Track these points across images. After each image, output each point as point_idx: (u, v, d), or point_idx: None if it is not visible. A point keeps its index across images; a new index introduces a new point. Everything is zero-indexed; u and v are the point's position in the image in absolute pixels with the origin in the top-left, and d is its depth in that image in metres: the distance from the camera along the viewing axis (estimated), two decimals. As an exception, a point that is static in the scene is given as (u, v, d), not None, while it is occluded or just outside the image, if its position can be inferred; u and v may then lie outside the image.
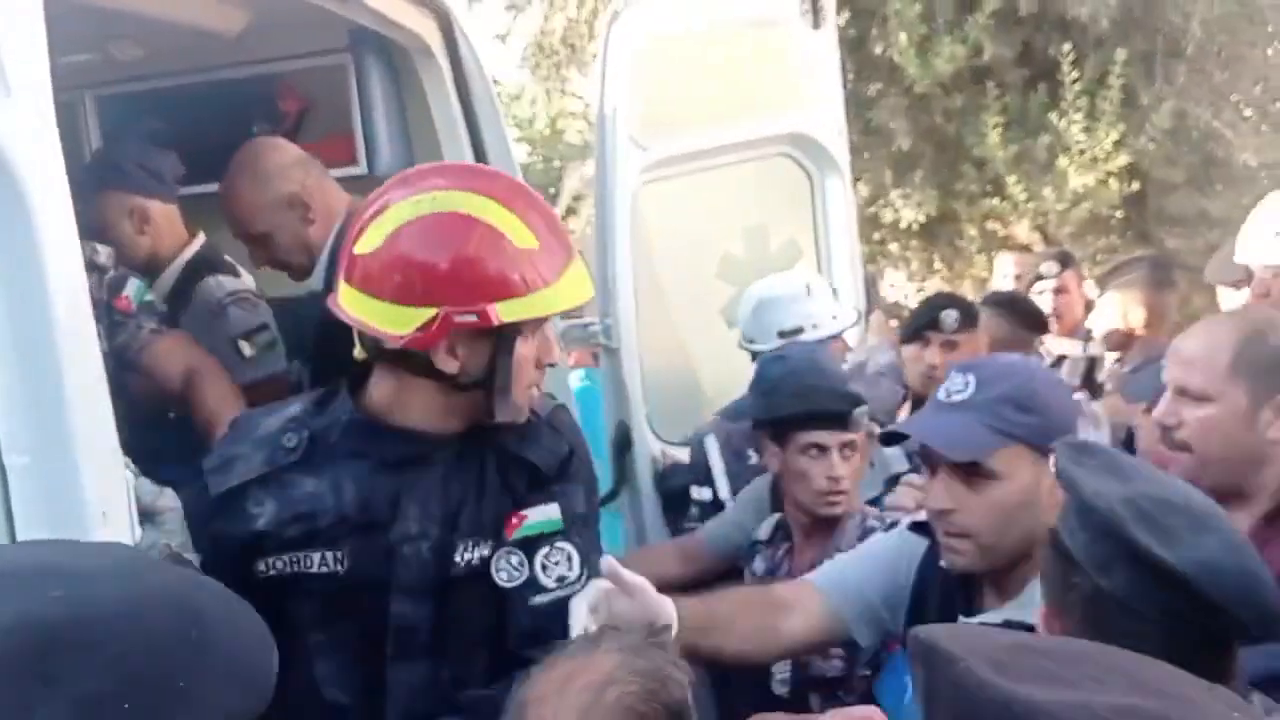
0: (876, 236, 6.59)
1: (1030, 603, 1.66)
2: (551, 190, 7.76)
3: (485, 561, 1.73)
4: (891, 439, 2.07)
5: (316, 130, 3.12)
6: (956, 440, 1.75)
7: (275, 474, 1.72)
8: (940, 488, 1.77)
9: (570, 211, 7.05)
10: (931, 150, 5.73)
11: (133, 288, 2.53)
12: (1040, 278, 4.26)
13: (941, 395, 1.81)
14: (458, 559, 1.72)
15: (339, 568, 1.70)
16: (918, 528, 1.89)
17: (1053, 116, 5.20)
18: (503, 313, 1.64)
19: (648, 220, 3.25)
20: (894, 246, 6.55)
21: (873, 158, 5.82)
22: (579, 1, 6.65)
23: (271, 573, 1.71)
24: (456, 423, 1.74)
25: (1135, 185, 5.26)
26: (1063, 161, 5.17)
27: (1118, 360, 3.96)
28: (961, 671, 0.75)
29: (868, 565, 1.98)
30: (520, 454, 1.76)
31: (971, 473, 1.74)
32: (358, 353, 1.76)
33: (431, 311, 1.64)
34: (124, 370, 2.52)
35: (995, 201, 5.63)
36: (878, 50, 5.38)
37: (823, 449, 2.39)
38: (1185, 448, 2.03)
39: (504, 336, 1.68)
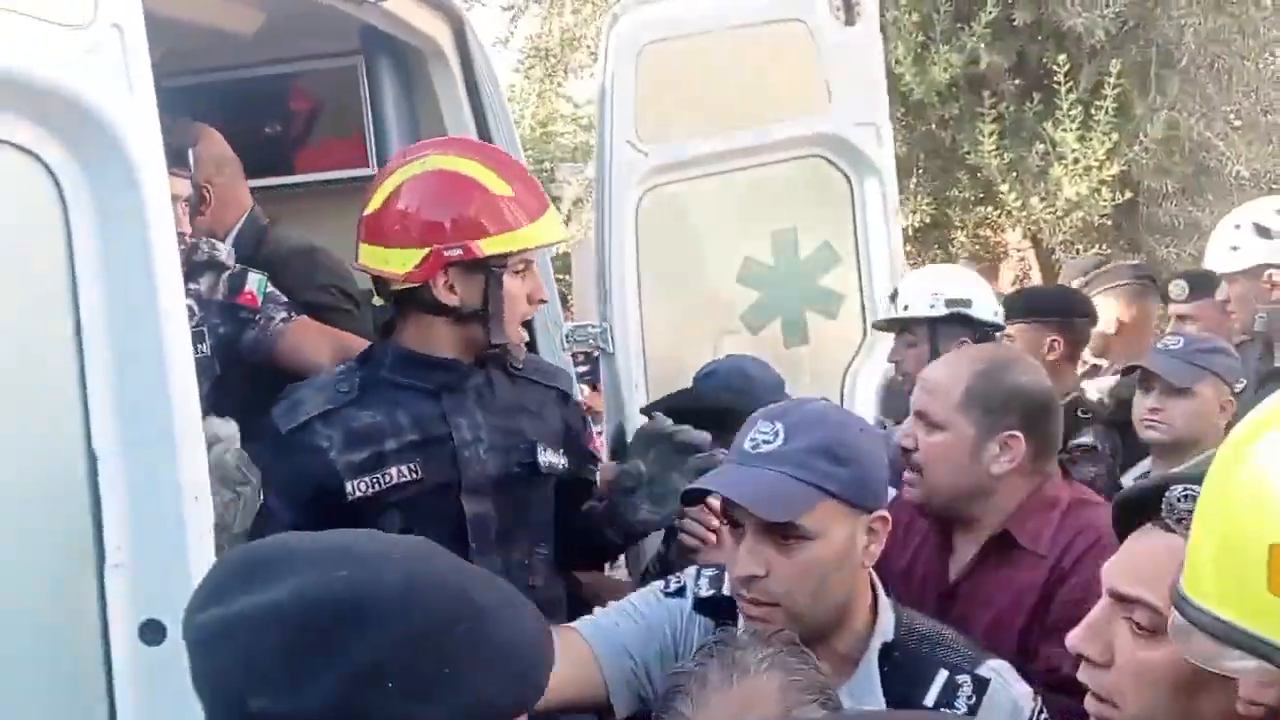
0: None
1: (869, 679, 1.66)
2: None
3: (562, 467, 2.23)
4: (692, 498, 1.91)
5: (328, 131, 3.16)
6: (769, 498, 1.59)
7: (336, 410, 2.04)
8: (747, 551, 1.61)
9: (569, 218, 7.09)
10: (927, 158, 5.78)
11: (254, 281, 2.60)
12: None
13: (748, 445, 1.65)
14: (540, 460, 2.18)
15: (415, 474, 2.04)
16: (704, 607, 1.77)
17: (1047, 126, 5.25)
18: (484, 247, 2.02)
19: (657, 224, 3.20)
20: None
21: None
22: (575, 6, 6.69)
23: (357, 495, 2.01)
24: (470, 353, 2.12)
25: (1127, 194, 5.32)
26: (1056, 170, 5.23)
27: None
28: None
29: (635, 622, 1.81)
30: (524, 374, 2.24)
31: (783, 533, 1.59)
32: (376, 300, 2.27)
33: (425, 250, 2.02)
34: (262, 362, 2.61)
35: (988, 209, 5.69)
36: (875, 57, 5.42)
37: None
38: (918, 470, 2.15)
39: (493, 272, 2.05)
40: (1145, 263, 4.95)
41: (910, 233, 6.06)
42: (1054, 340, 3.38)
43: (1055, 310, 3.51)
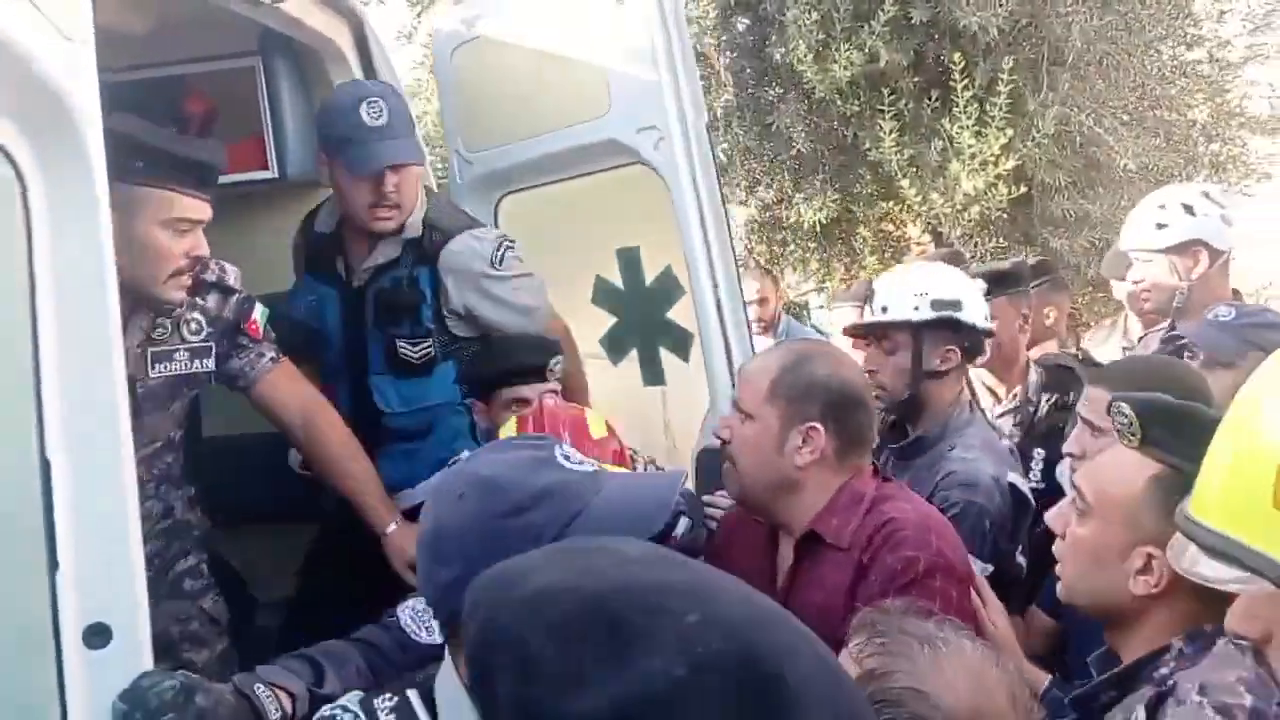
0: (779, 238, 6.73)
1: None
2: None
3: None
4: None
5: (226, 133, 3.12)
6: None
7: None
8: None
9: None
10: (830, 154, 5.88)
11: (259, 312, 2.65)
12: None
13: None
14: None
15: None
16: None
17: (945, 122, 5.37)
18: None
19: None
20: (794, 249, 6.69)
21: (773, 161, 5.95)
22: None
23: None
24: None
25: (1022, 188, 5.46)
26: (954, 165, 5.35)
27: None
28: None
29: None
30: None
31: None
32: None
33: None
34: (240, 391, 2.69)
35: (890, 204, 5.81)
36: (777, 56, 5.51)
37: (525, 402, 2.56)
38: (733, 460, 2.21)
39: None
40: (1022, 259, 5.12)
41: (816, 229, 6.16)
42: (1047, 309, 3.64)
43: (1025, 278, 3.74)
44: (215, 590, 2.73)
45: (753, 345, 2.79)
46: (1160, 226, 3.36)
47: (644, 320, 2.96)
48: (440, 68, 3.25)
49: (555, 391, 2.64)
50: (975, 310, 2.84)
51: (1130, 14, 5.48)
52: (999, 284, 4.05)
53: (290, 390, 2.68)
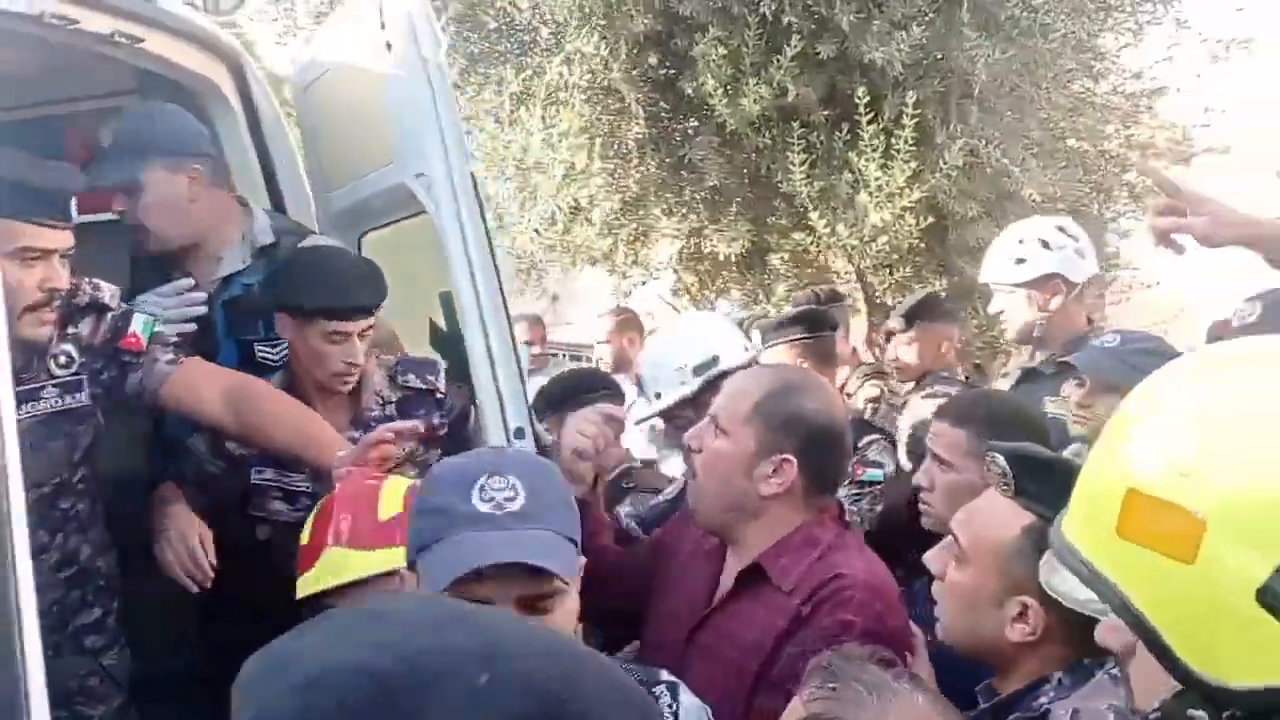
0: (704, 268, 6.81)
1: None
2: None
3: None
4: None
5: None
6: (564, 562, 1.52)
7: None
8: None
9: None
10: (743, 186, 5.95)
11: (139, 323, 2.50)
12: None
13: (487, 507, 1.49)
14: None
15: None
16: None
17: (853, 155, 5.47)
18: None
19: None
20: (719, 279, 6.76)
21: (688, 194, 6.03)
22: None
23: None
24: None
25: (931, 219, 5.55)
26: (862, 197, 5.44)
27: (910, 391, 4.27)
28: None
29: None
30: None
31: (539, 598, 1.50)
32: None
33: None
34: (149, 408, 2.57)
35: (803, 235, 5.89)
36: (688, 90, 5.59)
37: (344, 335, 2.58)
38: (696, 472, 2.17)
39: None
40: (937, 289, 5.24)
41: (732, 260, 6.24)
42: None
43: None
44: (120, 645, 2.62)
45: (526, 392, 2.72)
46: (1019, 261, 3.46)
47: (458, 367, 2.87)
48: (296, 105, 3.30)
49: (371, 328, 2.62)
50: (733, 353, 2.93)
51: (1030, 47, 5.59)
52: (917, 315, 4.17)
53: (203, 380, 2.55)
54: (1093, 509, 1.05)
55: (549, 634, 0.87)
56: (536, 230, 6.12)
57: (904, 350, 4.20)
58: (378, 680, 0.75)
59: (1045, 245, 3.45)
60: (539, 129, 5.54)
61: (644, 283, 6.73)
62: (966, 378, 4.08)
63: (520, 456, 1.71)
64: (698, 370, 2.90)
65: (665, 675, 1.73)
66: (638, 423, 3.19)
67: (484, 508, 1.48)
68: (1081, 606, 1.12)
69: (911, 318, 4.19)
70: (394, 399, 2.79)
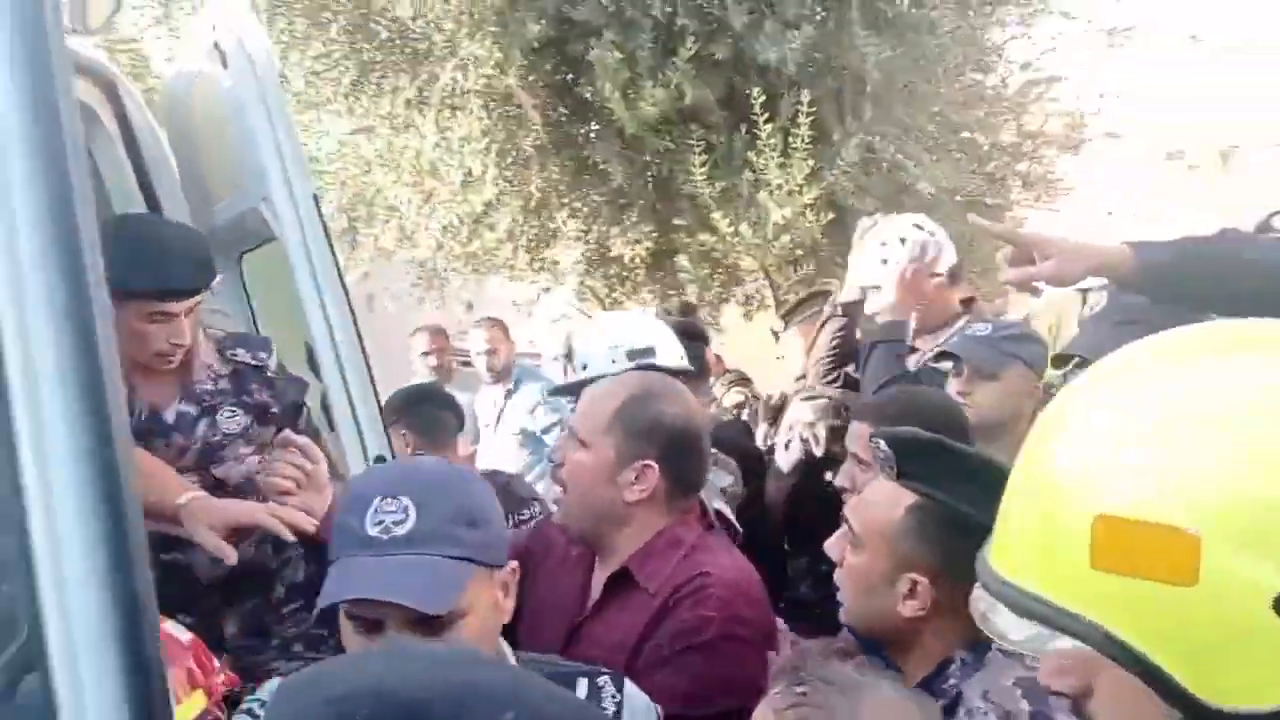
0: (612, 271, 6.82)
1: None
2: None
3: None
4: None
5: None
6: (430, 589, 1.45)
7: None
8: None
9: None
10: (646, 188, 5.97)
11: None
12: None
13: (374, 529, 1.47)
14: None
15: None
16: None
17: (752, 155, 5.51)
18: None
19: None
20: (627, 282, 6.78)
21: (591, 197, 6.03)
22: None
23: None
24: None
25: (831, 216, 5.62)
26: (763, 196, 5.49)
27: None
28: None
29: None
30: None
31: (434, 621, 1.45)
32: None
33: None
34: None
35: (706, 236, 5.92)
36: (587, 94, 5.59)
37: (168, 316, 2.44)
38: (563, 485, 2.18)
39: None
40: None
41: (639, 262, 6.26)
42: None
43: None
44: None
45: (387, 432, 2.64)
46: (884, 262, 3.54)
47: (322, 400, 2.80)
48: (168, 123, 3.22)
49: (199, 304, 2.51)
50: (669, 353, 2.94)
51: (923, 43, 5.68)
52: (793, 315, 4.20)
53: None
54: (1047, 541, 0.95)
55: (560, 689, 0.96)
56: (438, 240, 6.07)
57: (785, 350, 4.24)
58: (407, 708, 0.83)
59: (903, 243, 3.53)
60: (433, 133, 5.50)
61: (548, 289, 6.72)
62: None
63: (429, 471, 1.62)
64: (631, 355, 2.88)
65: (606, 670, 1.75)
66: (552, 392, 3.22)
67: (373, 531, 1.46)
68: (1019, 647, 1.01)
69: (788, 318, 4.23)
70: (225, 373, 2.68)
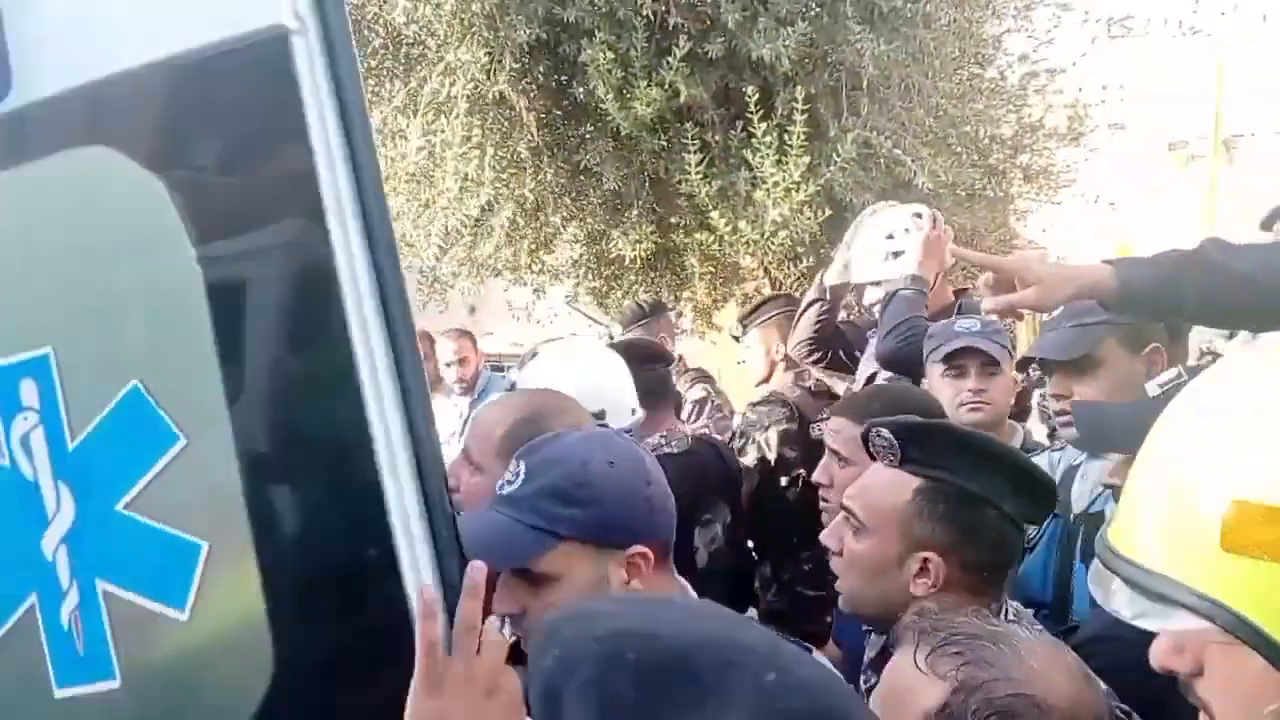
0: (607, 272, 6.80)
1: None
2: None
3: None
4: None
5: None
6: (495, 544, 1.58)
7: None
8: (503, 587, 1.65)
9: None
10: (643, 188, 5.94)
11: None
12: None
13: (498, 486, 1.69)
14: None
15: None
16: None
17: (748, 152, 5.48)
18: None
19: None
20: (623, 282, 6.75)
21: (588, 199, 6.00)
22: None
23: None
24: None
25: (829, 211, 5.59)
26: (760, 194, 5.46)
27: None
28: None
29: None
30: None
31: (526, 577, 1.63)
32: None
33: None
34: None
35: (705, 234, 5.90)
36: (580, 95, 5.56)
37: None
38: (458, 510, 2.15)
39: None
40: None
41: (638, 262, 6.23)
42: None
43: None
44: None
45: None
46: (896, 255, 3.51)
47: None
48: None
49: None
50: (621, 409, 2.77)
51: (918, 37, 5.65)
52: (749, 320, 4.19)
53: None
54: (1177, 523, 0.97)
55: (805, 653, 1.06)
56: (440, 246, 6.05)
57: (745, 355, 4.24)
58: (674, 654, 0.89)
59: (919, 217, 3.54)
60: (417, 137, 5.48)
61: (539, 290, 6.72)
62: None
63: (567, 443, 1.72)
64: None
65: None
66: None
67: (499, 487, 1.68)
68: (1136, 623, 1.03)
69: (747, 322, 4.21)
70: None
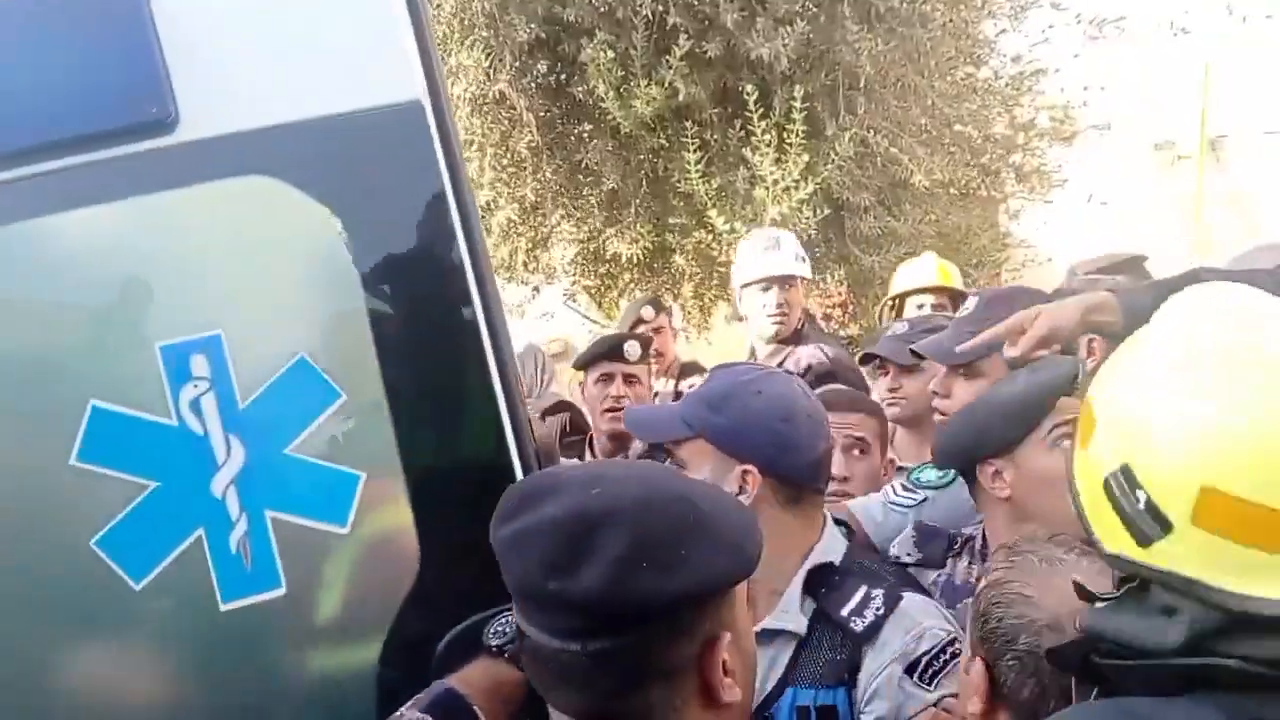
0: (603, 270, 6.81)
1: (790, 603, 1.89)
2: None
3: None
4: None
5: None
6: (653, 425, 2.06)
7: None
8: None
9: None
10: (641, 187, 5.96)
11: None
12: (641, 321, 4.76)
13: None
14: None
15: None
16: None
17: (747, 151, 5.51)
18: None
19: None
20: (619, 280, 6.77)
21: (586, 197, 6.02)
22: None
23: None
24: None
25: (827, 211, 5.62)
26: (759, 192, 5.49)
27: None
28: None
29: None
30: None
31: (670, 456, 1.97)
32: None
33: None
34: None
35: (703, 233, 5.92)
36: (579, 94, 5.58)
37: None
38: None
39: None
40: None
41: (635, 261, 6.25)
42: None
43: None
44: None
45: None
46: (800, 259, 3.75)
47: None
48: None
49: None
50: None
51: (914, 37, 5.68)
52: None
53: None
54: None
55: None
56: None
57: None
58: (686, 501, 1.25)
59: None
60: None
61: (536, 289, 6.73)
62: None
63: (744, 369, 2.04)
64: None
65: None
66: None
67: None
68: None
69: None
70: None
